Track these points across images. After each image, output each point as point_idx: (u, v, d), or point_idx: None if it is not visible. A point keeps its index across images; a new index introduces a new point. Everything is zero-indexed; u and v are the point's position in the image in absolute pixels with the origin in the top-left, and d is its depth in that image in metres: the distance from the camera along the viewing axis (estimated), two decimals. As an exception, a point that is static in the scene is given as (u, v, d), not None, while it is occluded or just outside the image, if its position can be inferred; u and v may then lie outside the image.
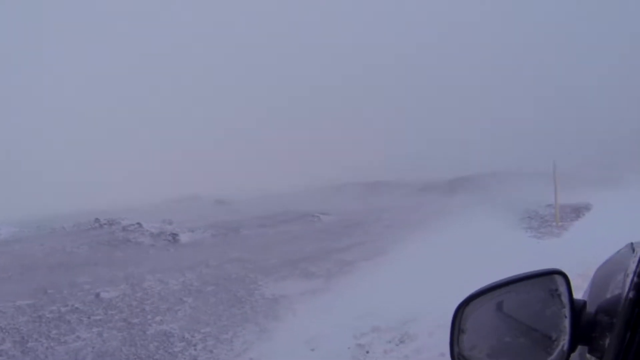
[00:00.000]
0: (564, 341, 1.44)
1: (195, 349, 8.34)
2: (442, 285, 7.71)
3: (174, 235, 17.32)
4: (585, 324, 1.43)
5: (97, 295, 11.02)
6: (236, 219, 21.97)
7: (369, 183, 39.22)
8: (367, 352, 7.10)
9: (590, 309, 1.50)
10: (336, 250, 14.37)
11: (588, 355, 1.47)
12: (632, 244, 2.20)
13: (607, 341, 1.34)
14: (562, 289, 1.52)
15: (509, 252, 11.43)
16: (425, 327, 7.02)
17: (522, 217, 16.79)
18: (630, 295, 1.22)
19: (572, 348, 1.43)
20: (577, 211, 16.25)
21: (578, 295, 1.55)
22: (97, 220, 20.12)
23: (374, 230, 17.25)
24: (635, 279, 1.25)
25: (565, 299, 1.49)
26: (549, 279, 1.57)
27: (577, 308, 1.46)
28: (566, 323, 1.45)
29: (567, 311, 1.47)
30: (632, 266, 1.51)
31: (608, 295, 1.62)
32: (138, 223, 18.85)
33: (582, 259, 8.30)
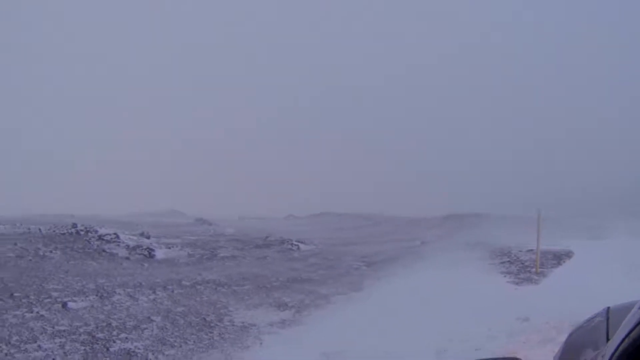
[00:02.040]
0: None
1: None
2: (412, 330, 7.79)
3: (150, 251, 17.34)
4: None
5: (65, 304, 11.01)
6: (214, 239, 22.01)
7: (352, 214, 39.43)
8: None
9: None
10: (311, 282, 14.47)
11: None
12: (608, 308, 2.18)
13: None
14: None
15: (484, 298, 11.55)
16: None
17: (502, 260, 16.96)
18: None
19: None
20: (558, 258, 16.47)
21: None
22: (74, 225, 20.06)
23: (352, 263, 17.37)
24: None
25: None
26: None
27: None
28: None
29: None
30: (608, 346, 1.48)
31: None
32: (115, 233, 18.85)
33: (558, 309, 8.41)
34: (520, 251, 17.65)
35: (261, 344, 9.51)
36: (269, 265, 16.65)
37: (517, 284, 13.96)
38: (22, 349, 8.88)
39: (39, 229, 20.29)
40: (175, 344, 9.46)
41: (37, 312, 10.53)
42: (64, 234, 19.08)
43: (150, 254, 17.03)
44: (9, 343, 9.04)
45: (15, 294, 11.56)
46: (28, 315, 10.35)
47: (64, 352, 8.89)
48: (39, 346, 9.05)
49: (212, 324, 10.53)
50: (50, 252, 16.34)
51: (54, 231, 19.71)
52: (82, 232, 19.04)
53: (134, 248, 17.59)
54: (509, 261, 16.79)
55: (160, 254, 17.33)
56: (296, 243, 20.61)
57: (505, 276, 14.94)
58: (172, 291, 12.76)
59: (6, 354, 8.60)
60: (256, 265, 16.46)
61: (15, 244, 17.00)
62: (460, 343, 8.04)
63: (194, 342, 9.58)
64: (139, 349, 9.18)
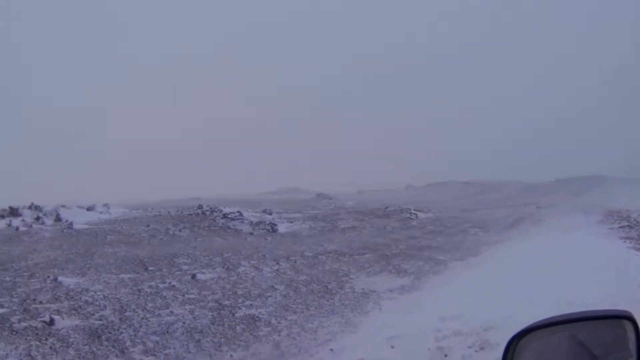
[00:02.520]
0: None
1: (279, 335, 8.58)
2: (530, 295, 7.44)
3: (273, 225, 17.82)
4: None
5: (194, 276, 11.57)
6: (335, 212, 22.22)
7: (469, 182, 38.34)
8: (446, 355, 6.99)
9: None
10: (429, 248, 14.23)
11: None
12: None
13: None
14: (631, 335, 1.40)
15: (603, 264, 10.80)
16: (508, 336, 6.78)
17: (621, 225, 15.77)
18: None
19: None
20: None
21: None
22: (200, 206, 21.07)
23: (469, 229, 16.89)
24: None
25: (632, 347, 1.37)
26: (616, 323, 1.44)
27: None
28: None
29: None
30: None
31: None
32: (239, 211, 19.55)
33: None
34: (641, 215, 16.29)
35: (380, 309, 9.51)
36: (389, 234, 16.56)
37: (638, 249, 12.93)
38: (156, 314, 9.46)
39: (169, 212, 21.52)
40: (298, 310, 9.68)
41: (169, 283, 11.14)
42: (191, 214, 20.11)
43: (273, 228, 17.51)
44: (145, 309, 9.67)
45: (150, 268, 12.34)
46: (161, 285, 10.99)
47: (194, 317, 9.36)
48: (171, 312, 9.60)
49: (333, 291, 10.64)
50: (179, 231, 17.30)
51: (182, 212, 20.83)
52: (207, 212, 19.96)
53: (257, 224, 18.17)
54: (628, 225, 15.57)
55: (282, 228, 17.78)
56: (414, 212, 20.38)
57: (625, 241, 13.86)
58: (295, 262, 13.03)
59: (142, 318, 9.20)
60: (376, 235, 16.43)
61: (148, 226, 18.17)
62: (580, 308, 7.53)
63: (316, 308, 9.74)
64: (263, 314, 9.47)
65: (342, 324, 8.87)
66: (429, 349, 7.19)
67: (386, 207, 22.30)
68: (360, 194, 37.38)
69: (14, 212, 21.14)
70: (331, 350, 7.85)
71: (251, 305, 9.96)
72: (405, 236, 16.06)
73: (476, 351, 6.91)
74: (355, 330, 8.55)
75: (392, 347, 7.51)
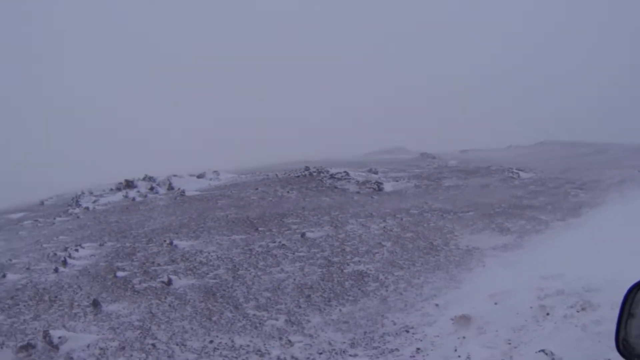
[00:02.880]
0: None
1: (386, 290, 8.54)
2: (632, 258, 6.83)
3: (379, 184, 17.67)
4: None
5: (303, 234, 11.71)
6: (438, 171, 21.74)
7: (575, 142, 36.21)
8: (548, 314, 6.66)
9: None
10: (531, 208, 13.60)
11: None
12: None
13: None
14: None
15: None
16: (609, 298, 6.32)
17: None
18: None
19: None
20: None
21: None
22: (307, 168, 21.25)
23: (571, 190, 15.90)
24: None
25: None
26: None
27: None
28: None
29: None
30: None
31: None
32: (345, 171, 19.54)
33: None
34: None
35: (484, 266, 9.27)
36: (491, 192, 15.95)
37: None
38: (267, 271, 9.68)
39: (276, 174, 21.91)
40: (404, 265, 9.58)
41: (279, 242, 11.35)
42: (298, 176, 20.35)
43: (379, 187, 17.37)
44: (257, 267, 9.92)
45: (260, 228, 12.63)
46: (271, 244, 11.22)
47: (303, 274, 9.49)
48: (282, 269, 9.79)
49: (438, 248, 10.46)
50: (287, 192, 17.56)
51: (289, 175, 21.12)
52: (314, 173, 20.12)
53: (364, 183, 18.09)
54: None
55: (388, 186, 17.61)
56: (516, 171, 19.50)
57: None
58: (401, 219, 12.88)
59: (254, 276, 9.45)
60: (479, 193, 15.89)
61: (257, 189, 18.61)
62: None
63: (421, 264, 9.62)
64: (370, 270, 9.45)
65: (447, 280, 8.75)
66: (531, 307, 6.89)
67: (489, 166, 21.50)
68: (463, 152, 36.24)
69: (129, 184, 22.39)
70: (436, 305, 7.74)
71: (359, 261, 9.95)
72: (508, 195, 15.39)
73: (578, 311, 6.53)
74: (459, 286, 8.41)
75: (495, 303, 7.27)
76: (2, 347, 7.40)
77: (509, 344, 6.02)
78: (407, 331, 6.92)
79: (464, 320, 6.78)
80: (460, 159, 28.46)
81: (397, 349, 6.44)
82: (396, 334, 6.91)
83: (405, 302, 7.94)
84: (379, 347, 6.60)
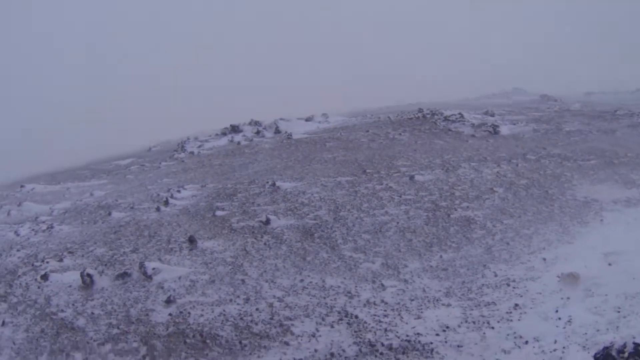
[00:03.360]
0: None
1: (492, 239, 8.08)
2: None
3: (495, 127, 16.73)
4: None
5: (412, 177, 11.36)
6: (559, 115, 20.12)
7: None
8: None
9: None
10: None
11: None
12: None
13: None
14: None
15: None
16: None
17: None
18: None
19: None
20: None
21: None
22: (420, 110, 20.56)
23: None
24: None
25: None
26: None
27: None
28: None
29: None
30: None
31: None
32: (460, 114, 18.67)
33: None
34: None
35: (602, 220, 8.41)
36: (617, 140, 14.45)
37: None
38: (371, 214, 9.49)
39: (388, 117, 21.36)
40: (515, 214, 9.00)
41: (386, 184, 11.09)
42: (411, 118, 19.73)
43: (494, 130, 16.45)
44: (360, 209, 9.76)
45: (368, 171, 12.40)
46: (378, 187, 10.99)
47: (408, 217, 9.20)
48: (386, 212, 9.56)
49: (553, 197, 9.67)
50: (399, 134, 17.10)
51: (402, 117, 20.51)
52: (428, 116, 19.41)
53: (479, 126, 17.22)
54: None
55: (504, 130, 16.62)
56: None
57: None
58: (516, 165, 12.09)
59: (356, 218, 9.30)
60: (603, 140, 14.47)
61: (367, 131, 18.28)
62: None
63: (533, 213, 8.96)
64: (478, 217, 8.98)
65: (559, 233, 8.07)
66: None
67: (615, 111, 19.55)
68: (587, 95, 33.21)
69: (235, 129, 22.71)
70: (543, 259, 7.19)
71: (467, 207, 9.49)
72: (636, 143, 13.86)
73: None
74: (572, 241, 7.72)
75: (610, 264, 6.58)
76: (101, 275, 7.90)
77: (618, 312, 5.42)
78: (508, 284, 6.50)
79: (571, 278, 6.22)
80: (584, 102, 26.19)
81: (493, 303, 6.07)
82: (496, 286, 6.52)
83: (511, 253, 7.48)
84: (475, 298, 6.25)
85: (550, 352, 4.84)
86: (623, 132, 15.53)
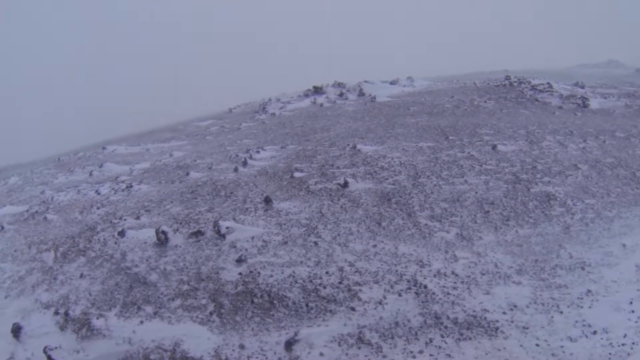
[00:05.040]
0: None
1: (572, 218, 7.67)
2: None
3: (584, 100, 15.74)
4: None
5: (494, 147, 10.97)
6: (658, 89, 18.59)
7: None
8: None
9: None
10: None
11: None
12: None
13: None
14: None
15: None
16: None
17: None
18: None
19: None
20: None
21: None
22: (507, 78, 19.67)
23: None
24: None
25: None
26: None
27: None
28: None
29: None
30: None
31: None
32: (548, 83, 17.73)
33: None
34: None
35: None
36: None
37: None
38: (450, 182, 9.25)
39: (474, 83, 20.60)
40: (597, 194, 8.46)
41: (468, 153, 10.77)
42: (497, 85, 18.94)
43: (584, 103, 15.47)
44: (439, 176, 9.54)
45: (450, 137, 12.07)
46: (459, 154, 10.69)
47: (487, 188, 8.91)
48: (465, 181, 9.29)
49: (640, 180, 9.02)
50: (485, 102, 16.48)
51: (488, 84, 19.73)
52: (515, 84, 18.55)
53: (568, 97, 16.26)
54: None
55: (594, 103, 15.61)
56: None
57: None
58: (604, 141, 11.34)
59: (435, 185, 9.10)
60: None
61: (452, 97, 17.73)
62: None
63: (617, 195, 8.38)
64: (559, 193, 8.53)
65: (643, 219, 7.57)
66: None
67: None
68: None
69: (318, 90, 22.38)
70: (623, 245, 6.74)
71: (549, 182, 9.04)
72: None
73: None
74: (656, 229, 7.22)
75: None
76: (176, 232, 8.15)
77: (701, 312, 5.01)
78: (583, 268, 6.18)
79: (651, 269, 5.82)
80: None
81: (565, 286, 5.80)
82: (570, 268, 6.21)
83: (589, 235, 7.08)
84: (547, 279, 5.99)
85: (618, 345, 4.58)
86: None
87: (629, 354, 4.45)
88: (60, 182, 14.32)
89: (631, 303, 5.23)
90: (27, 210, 11.58)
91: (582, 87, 18.27)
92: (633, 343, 4.57)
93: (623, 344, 4.59)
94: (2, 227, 10.53)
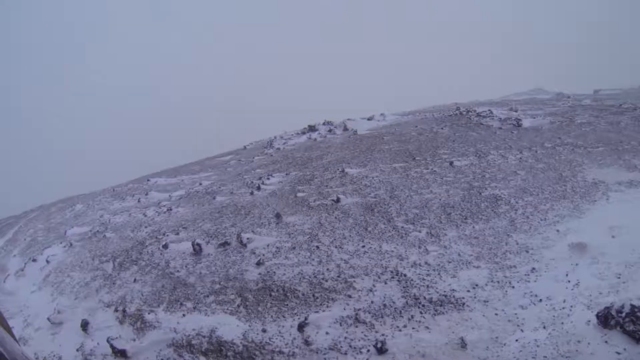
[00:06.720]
0: None
1: (515, 213, 7.70)
2: None
3: (518, 120, 15.83)
4: None
5: (451, 163, 11.00)
6: (572, 109, 18.70)
7: None
8: None
9: None
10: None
11: None
12: None
13: None
14: None
15: None
16: None
17: None
18: None
19: None
20: None
21: None
22: (457, 108, 19.79)
23: None
24: None
25: None
26: None
27: None
28: None
29: None
30: None
31: None
32: (489, 110, 17.85)
33: None
34: None
35: (607, 199, 7.75)
36: (622, 130, 13.26)
37: None
38: (419, 192, 9.26)
39: (432, 114, 20.71)
40: (534, 192, 8.52)
41: (431, 169, 10.79)
42: (450, 115, 19.03)
43: (518, 123, 15.54)
44: (410, 189, 9.55)
45: (417, 158, 12.11)
46: (425, 171, 10.71)
47: (448, 195, 8.93)
48: (431, 191, 9.30)
49: (566, 179, 9.04)
50: (441, 129, 16.53)
51: (443, 114, 19.81)
52: (464, 113, 18.65)
53: (505, 120, 16.33)
54: None
55: (526, 122, 15.67)
56: (650, 109, 15.93)
57: None
58: (536, 152, 11.42)
59: (407, 196, 9.11)
60: (610, 130, 13.29)
61: (416, 126, 17.78)
62: None
63: (549, 192, 8.44)
64: (504, 195, 8.57)
65: (571, 209, 7.55)
66: (646, 245, 5.61)
67: (620, 105, 17.96)
68: (596, 92, 30.54)
69: (312, 128, 22.38)
70: (557, 231, 6.78)
71: (496, 186, 9.08)
72: (638, 133, 12.71)
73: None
74: (581, 216, 7.20)
75: (613, 236, 6.08)
76: (207, 244, 8.13)
77: (619, 278, 5.03)
78: (527, 251, 6.19)
79: (580, 247, 5.83)
80: (594, 98, 24.29)
81: (514, 266, 5.80)
82: (517, 252, 6.22)
83: (530, 225, 7.11)
84: (500, 262, 5.99)
85: (560, 309, 4.58)
86: (627, 123, 14.32)
87: (568, 315, 4.45)
88: (115, 208, 14.26)
89: (567, 275, 5.25)
90: (90, 230, 11.55)
91: (516, 111, 18.35)
92: (571, 306, 4.56)
93: (563, 308, 4.59)
94: (71, 244, 10.50)
